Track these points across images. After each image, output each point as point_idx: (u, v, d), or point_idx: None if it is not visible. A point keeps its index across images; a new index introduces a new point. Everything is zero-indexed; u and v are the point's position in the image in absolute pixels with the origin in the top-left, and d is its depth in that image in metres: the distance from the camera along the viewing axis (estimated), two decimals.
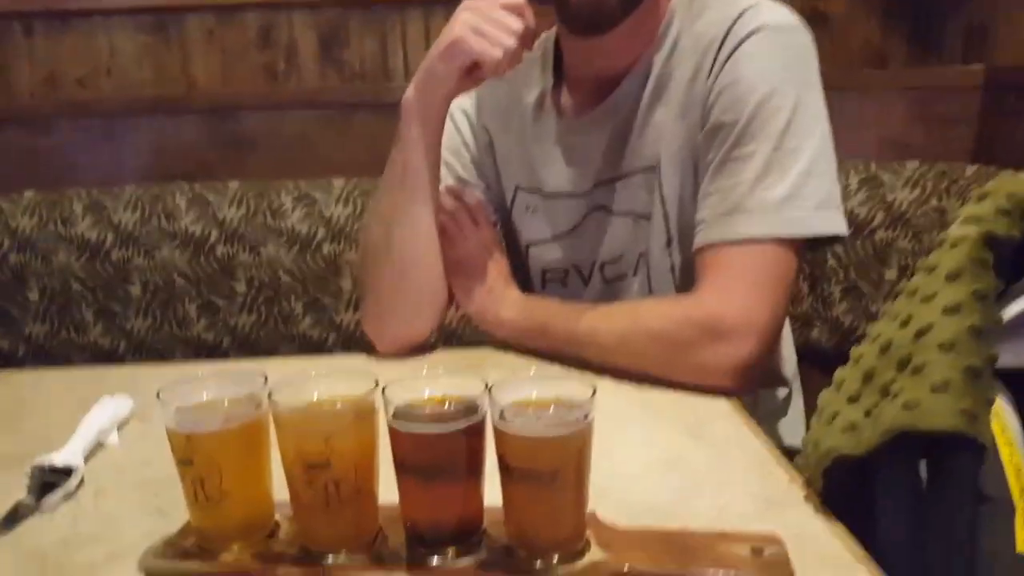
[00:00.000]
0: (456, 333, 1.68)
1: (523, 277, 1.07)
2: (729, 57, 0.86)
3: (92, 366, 1.46)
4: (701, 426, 0.77)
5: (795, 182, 0.81)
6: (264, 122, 1.65)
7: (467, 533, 0.54)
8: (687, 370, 0.82)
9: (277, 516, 0.58)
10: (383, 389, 0.53)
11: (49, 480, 0.66)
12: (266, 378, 0.55)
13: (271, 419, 0.53)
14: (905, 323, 0.59)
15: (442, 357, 1.01)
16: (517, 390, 0.53)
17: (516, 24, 0.86)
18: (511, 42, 0.86)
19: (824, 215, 0.82)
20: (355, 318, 1.59)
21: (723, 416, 0.79)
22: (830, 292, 1.57)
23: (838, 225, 0.82)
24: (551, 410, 0.50)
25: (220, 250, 1.57)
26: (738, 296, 0.80)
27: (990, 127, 1.58)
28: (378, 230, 0.96)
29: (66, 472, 0.68)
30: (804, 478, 0.64)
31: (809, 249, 0.86)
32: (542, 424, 0.49)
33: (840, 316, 1.56)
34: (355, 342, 1.55)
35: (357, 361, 1.00)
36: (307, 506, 0.53)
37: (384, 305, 0.96)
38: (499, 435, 0.50)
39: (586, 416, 0.50)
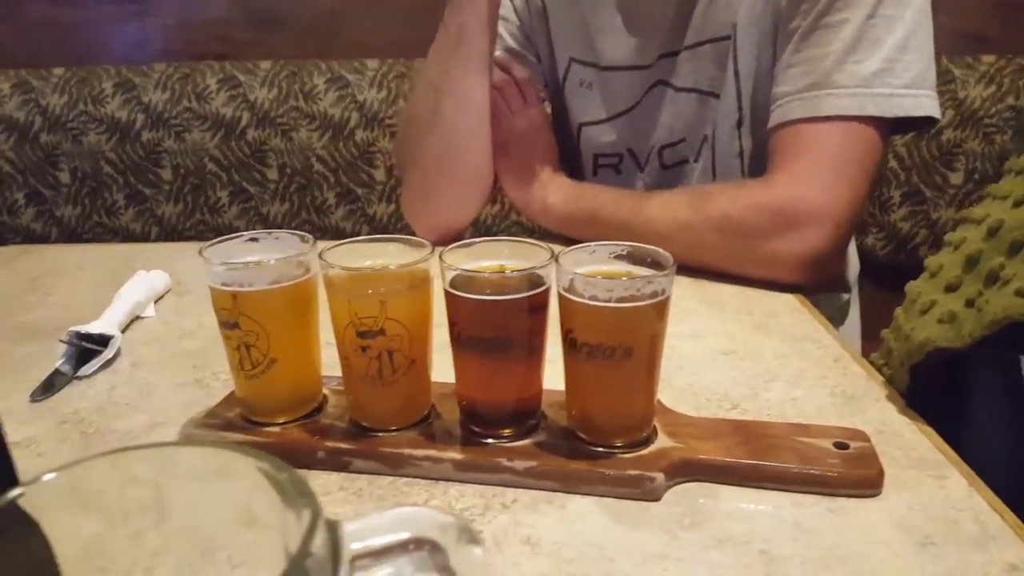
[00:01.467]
0: (491, 229, 1.63)
1: (572, 161, 1.00)
2: None
3: (130, 244, 1.42)
4: (768, 318, 0.72)
5: (889, 56, 0.72)
6: None
7: (525, 414, 0.50)
8: (756, 260, 0.76)
9: (325, 390, 0.55)
10: (440, 254, 0.48)
11: (86, 348, 0.64)
12: (314, 240, 0.51)
13: (321, 283, 0.49)
14: (1019, 203, 0.53)
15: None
16: (585, 260, 0.48)
17: None
18: None
19: (918, 95, 0.73)
20: (388, 210, 1.55)
21: (790, 310, 0.74)
22: (889, 196, 1.49)
23: (932, 107, 0.74)
24: (625, 280, 0.45)
25: (251, 134, 1.51)
26: (817, 180, 0.73)
27: None
28: (426, 99, 0.89)
29: (102, 341, 0.65)
30: (887, 374, 0.59)
31: (896, 133, 0.78)
32: (616, 295, 0.44)
33: (898, 223, 1.48)
34: (389, 234, 1.51)
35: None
36: (359, 376, 0.49)
37: (428, 183, 0.91)
38: (568, 306, 0.45)
39: (664, 291, 0.45)
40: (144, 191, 1.55)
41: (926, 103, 0.74)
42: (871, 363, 0.63)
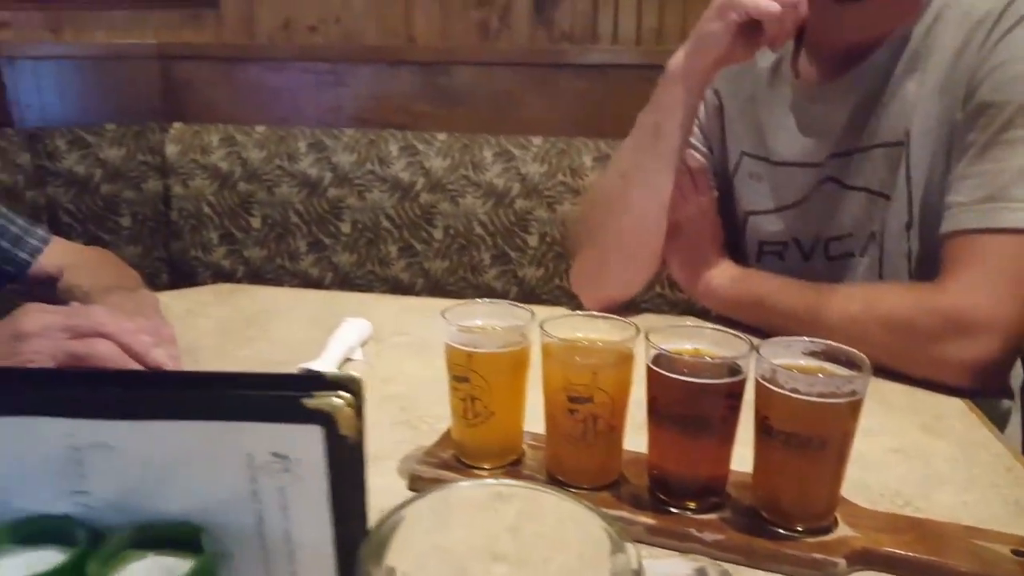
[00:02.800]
0: (635, 302, 1.69)
1: (736, 246, 1.05)
2: (1006, 34, 0.79)
3: (327, 291, 1.58)
4: (936, 421, 0.73)
5: None
6: (474, 77, 1.70)
7: (711, 490, 0.55)
8: (924, 363, 0.78)
9: (523, 444, 0.62)
10: (646, 334, 0.54)
11: None
12: (532, 313, 0.59)
13: (534, 351, 0.57)
14: None
15: (647, 321, 1.02)
16: (782, 353, 0.53)
17: None
18: None
19: None
20: (537, 274, 1.64)
21: (959, 414, 0.75)
22: None
23: None
24: (821, 377, 0.50)
25: (424, 197, 1.65)
26: (990, 290, 0.75)
27: None
28: (614, 186, 0.97)
29: None
30: None
31: None
32: (817, 389, 0.49)
33: None
34: (534, 297, 1.60)
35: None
36: (563, 435, 0.56)
37: (605, 260, 0.98)
38: (767, 394, 0.51)
39: (860, 391, 0.50)
40: (324, 240, 1.72)
41: None
42: None
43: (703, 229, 0.99)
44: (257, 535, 0.33)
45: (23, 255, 1.00)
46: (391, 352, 0.89)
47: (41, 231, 1.04)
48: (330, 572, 0.34)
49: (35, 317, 0.64)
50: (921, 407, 0.76)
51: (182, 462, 0.32)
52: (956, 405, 0.76)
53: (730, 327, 0.57)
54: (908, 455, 0.67)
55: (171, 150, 1.75)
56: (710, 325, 0.56)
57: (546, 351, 0.56)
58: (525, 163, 1.63)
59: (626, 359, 0.55)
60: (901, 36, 0.88)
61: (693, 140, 1.05)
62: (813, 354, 0.53)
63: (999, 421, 0.99)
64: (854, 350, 0.52)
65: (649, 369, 0.54)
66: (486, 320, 0.59)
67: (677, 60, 0.91)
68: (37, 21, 1.94)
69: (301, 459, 0.32)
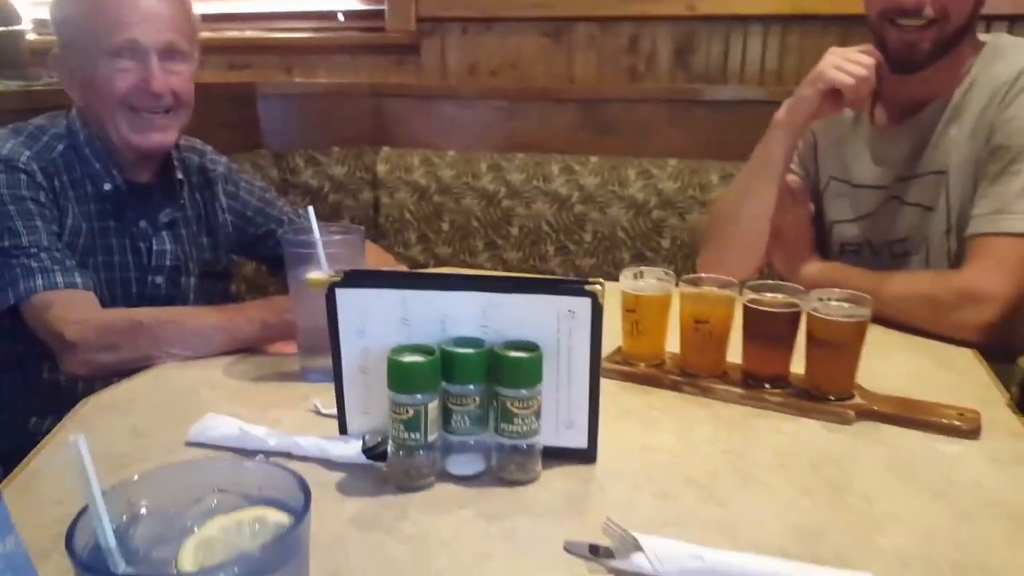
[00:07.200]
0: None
1: (823, 246, 1.41)
2: (1018, 95, 1.13)
3: None
4: (947, 358, 1.08)
5: None
6: (624, 111, 2.12)
7: (780, 378, 0.94)
8: (946, 326, 1.12)
9: (664, 354, 1.02)
10: (742, 286, 0.94)
11: None
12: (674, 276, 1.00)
13: (675, 298, 0.98)
14: None
15: None
16: (824, 297, 0.91)
17: (867, 60, 1.19)
18: (863, 72, 1.18)
19: None
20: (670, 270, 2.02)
21: (966, 358, 1.08)
22: None
23: None
24: (847, 305, 0.88)
25: (577, 208, 2.08)
26: (992, 273, 1.10)
27: None
28: (731, 202, 1.37)
29: None
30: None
31: None
32: (842, 313, 0.87)
33: None
34: None
35: None
36: (692, 344, 0.97)
37: (723, 257, 1.35)
38: (813, 319, 0.89)
39: (865, 314, 0.87)
40: (497, 241, 2.18)
41: None
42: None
43: (799, 233, 1.36)
44: (556, 348, 0.76)
45: None
46: None
47: None
48: (585, 371, 0.76)
49: None
50: (938, 349, 1.11)
51: (536, 314, 0.75)
52: (966, 353, 1.10)
53: None
54: (918, 374, 1.02)
55: (381, 168, 2.27)
56: (785, 284, 0.95)
57: (683, 296, 0.97)
58: (662, 180, 2.02)
59: (729, 300, 0.95)
60: (946, 96, 1.22)
61: (793, 167, 1.42)
62: (838, 298, 0.91)
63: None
64: (863, 295, 0.89)
65: (744, 306, 0.94)
66: (645, 279, 1.00)
67: (780, 113, 1.29)
68: (273, 64, 2.51)
69: (580, 312, 0.74)
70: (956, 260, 1.22)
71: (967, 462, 0.80)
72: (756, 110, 1.35)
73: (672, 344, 1.01)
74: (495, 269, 2.18)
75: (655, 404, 0.94)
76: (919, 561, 0.64)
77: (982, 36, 1.25)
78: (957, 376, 1.03)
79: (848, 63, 1.19)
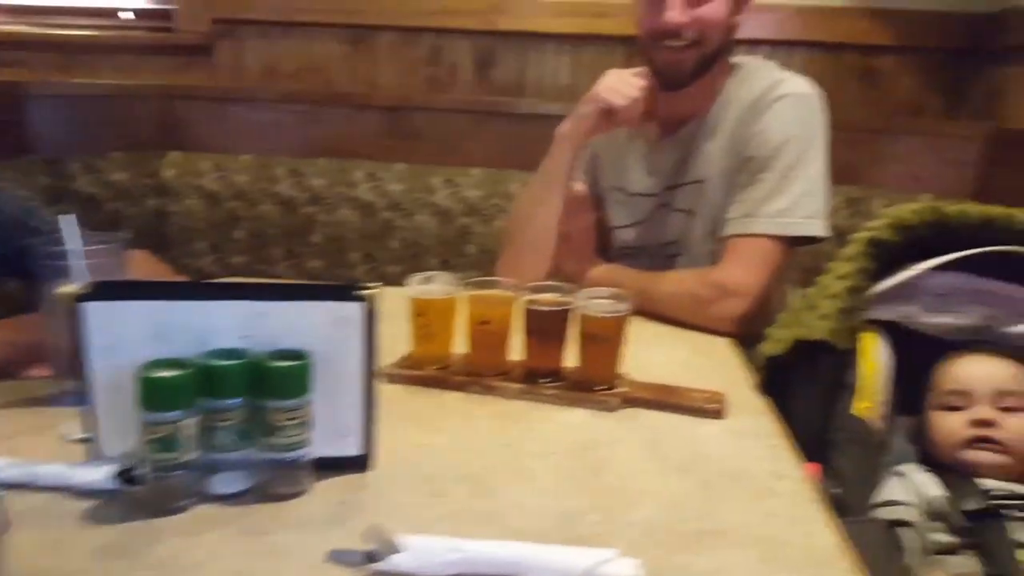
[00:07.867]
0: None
1: (606, 250, 1.51)
2: (764, 112, 1.28)
3: None
4: (706, 346, 1.20)
5: (793, 200, 1.23)
6: (428, 120, 2.14)
7: (555, 372, 1.00)
8: (703, 318, 1.25)
9: (451, 356, 1.05)
10: (522, 288, 0.99)
11: None
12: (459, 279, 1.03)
13: (460, 301, 1.01)
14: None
15: None
16: (590, 296, 0.98)
17: (639, 83, 1.31)
18: (634, 93, 1.29)
19: (810, 223, 1.24)
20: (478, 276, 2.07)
21: (723, 346, 1.21)
22: None
23: (819, 230, 1.24)
24: (609, 302, 0.95)
25: (383, 215, 2.08)
26: (741, 269, 1.24)
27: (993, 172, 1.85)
28: (523, 209, 1.45)
29: None
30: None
31: (803, 244, 1.28)
32: (604, 310, 0.94)
33: None
34: None
35: None
36: (475, 344, 1.00)
37: (518, 259, 1.42)
38: (580, 316, 0.95)
39: (625, 309, 0.95)
40: (297, 249, 2.12)
41: (813, 229, 1.24)
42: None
43: (584, 237, 1.45)
44: (329, 357, 0.75)
45: None
46: None
47: None
48: (358, 377, 0.76)
49: None
50: (699, 339, 1.23)
51: (303, 322, 0.74)
52: (722, 342, 1.23)
53: None
54: (680, 362, 1.13)
55: (167, 174, 2.13)
56: (561, 285, 1.01)
57: (468, 299, 1.00)
58: (467, 189, 2.07)
59: (510, 301, 1.00)
60: (705, 113, 1.36)
61: (579, 176, 1.51)
62: (604, 297, 0.98)
63: None
64: (620, 291, 0.96)
65: (524, 308, 0.99)
66: (434, 282, 1.03)
67: (564, 127, 1.38)
68: (48, 62, 2.29)
69: (351, 318, 0.74)
70: (715, 260, 1.35)
71: (712, 439, 0.89)
72: (553, 123, 1.42)
73: (461, 347, 1.03)
74: (295, 278, 2.13)
75: (441, 405, 0.97)
76: (664, 531, 0.71)
77: (735, 59, 1.39)
78: (713, 363, 1.14)
79: (622, 84, 1.30)
